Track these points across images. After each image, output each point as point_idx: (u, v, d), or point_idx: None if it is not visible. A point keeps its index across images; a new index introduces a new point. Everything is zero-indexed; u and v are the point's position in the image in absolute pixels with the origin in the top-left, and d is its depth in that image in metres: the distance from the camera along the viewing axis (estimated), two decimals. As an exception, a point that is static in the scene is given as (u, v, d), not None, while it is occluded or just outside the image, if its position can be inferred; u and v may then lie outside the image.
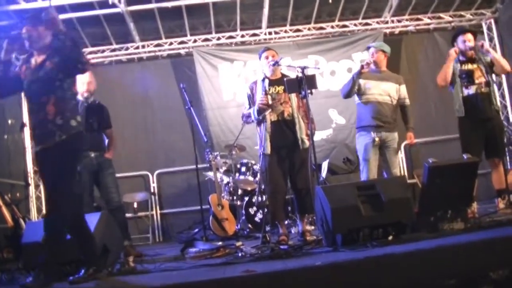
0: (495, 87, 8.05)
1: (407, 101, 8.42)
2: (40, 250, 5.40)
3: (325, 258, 5.28)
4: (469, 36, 8.17)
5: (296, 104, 7.58)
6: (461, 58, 8.17)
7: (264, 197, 9.49)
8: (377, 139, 8.01)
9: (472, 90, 7.95)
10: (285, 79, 7.58)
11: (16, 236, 8.37)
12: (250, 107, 7.81)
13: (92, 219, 6.04)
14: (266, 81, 7.70)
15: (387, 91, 8.21)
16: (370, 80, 8.17)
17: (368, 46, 8.60)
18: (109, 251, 6.10)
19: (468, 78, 7.97)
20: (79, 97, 8.01)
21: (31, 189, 12.43)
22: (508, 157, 12.31)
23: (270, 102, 7.46)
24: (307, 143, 7.46)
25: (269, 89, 7.59)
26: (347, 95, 8.24)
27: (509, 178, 8.41)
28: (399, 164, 8.26)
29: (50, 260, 5.31)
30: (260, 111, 7.49)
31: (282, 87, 7.59)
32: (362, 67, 8.06)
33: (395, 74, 8.70)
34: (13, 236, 8.51)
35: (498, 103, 8.21)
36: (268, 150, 7.47)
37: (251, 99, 7.85)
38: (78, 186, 5.75)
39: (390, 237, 5.76)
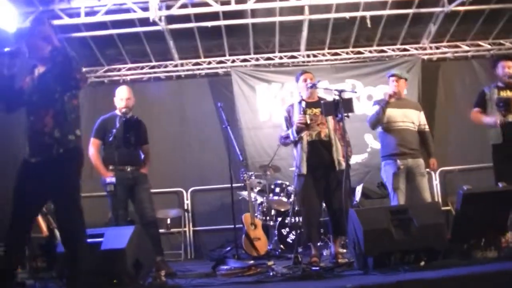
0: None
1: (427, 127, 8.35)
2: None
3: (355, 281, 5.27)
4: (510, 63, 8.14)
5: (332, 126, 7.59)
6: (499, 84, 8.14)
7: (297, 218, 9.52)
8: (402, 166, 7.92)
9: (509, 118, 7.90)
10: (322, 101, 7.62)
11: (50, 245, 8.47)
12: (287, 129, 7.84)
13: (126, 233, 6.10)
14: (303, 103, 7.73)
15: (409, 117, 8.14)
16: (392, 108, 8.10)
17: (389, 74, 8.52)
18: (142, 265, 6.15)
19: (505, 106, 7.91)
20: (117, 112, 8.12)
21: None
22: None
23: (308, 121, 7.48)
24: (343, 164, 7.42)
25: (306, 111, 7.62)
26: (375, 125, 8.19)
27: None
28: (429, 189, 8.16)
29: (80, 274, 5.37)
30: (298, 131, 7.51)
31: (319, 109, 7.61)
32: (389, 96, 8.03)
33: (413, 101, 8.67)
34: (47, 245, 8.61)
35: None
36: (304, 170, 7.48)
37: (289, 122, 7.87)
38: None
39: (422, 263, 5.73)
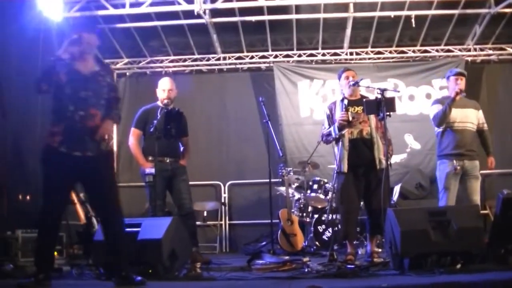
0: None
1: (486, 126, 8.28)
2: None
3: (391, 281, 5.28)
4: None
5: (374, 124, 7.56)
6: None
7: (334, 216, 9.50)
8: (458, 167, 7.88)
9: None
10: (364, 99, 7.60)
11: (87, 233, 8.57)
12: (329, 127, 7.83)
13: (163, 224, 6.16)
14: (345, 101, 7.69)
15: (468, 117, 8.08)
16: (453, 108, 8.05)
17: (453, 72, 8.42)
18: (177, 256, 6.19)
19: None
20: (159, 104, 8.18)
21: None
22: None
23: (350, 118, 7.46)
24: (384, 163, 7.40)
25: (348, 108, 7.59)
26: (442, 122, 8.07)
27: None
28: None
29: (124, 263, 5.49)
30: (340, 128, 7.49)
31: (361, 108, 7.57)
32: (456, 94, 7.96)
33: (471, 100, 8.60)
34: (85, 233, 8.71)
35: None
36: (345, 168, 7.46)
37: (330, 119, 7.85)
38: None
39: (458, 266, 5.71)
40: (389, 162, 7.37)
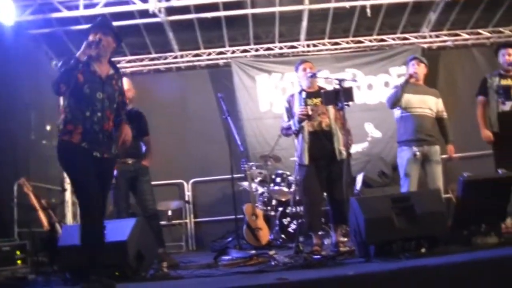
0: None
1: (445, 114, 8.36)
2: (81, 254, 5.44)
3: (357, 269, 5.29)
4: (510, 50, 8.14)
5: (333, 115, 7.59)
6: (501, 72, 8.15)
7: (298, 208, 9.53)
8: (418, 153, 7.93)
9: (507, 106, 7.94)
10: (322, 91, 7.62)
11: (51, 239, 8.49)
12: (288, 120, 7.85)
13: (127, 225, 6.13)
14: (303, 93, 7.69)
15: (427, 104, 8.15)
16: (410, 94, 8.11)
17: (411, 58, 8.54)
18: (144, 257, 6.16)
19: (505, 94, 7.94)
20: (118, 104, 8.13)
21: (67, 194, 12.57)
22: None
23: (309, 112, 7.48)
24: (344, 154, 7.44)
25: (307, 101, 7.61)
26: (394, 104, 8.11)
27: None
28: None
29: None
30: (300, 121, 7.50)
31: (319, 99, 7.60)
32: (409, 76, 8.05)
33: (432, 88, 8.69)
34: (49, 240, 8.62)
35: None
36: (306, 161, 7.48)
37: (289, 112, 7.87)
38: None
39: (423, 250, 5.75)
40: (348, 152, 7.40)
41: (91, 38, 5.46)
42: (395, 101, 8.10)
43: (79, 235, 5.25)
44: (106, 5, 10.95)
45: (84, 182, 5.32)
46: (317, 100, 7.64)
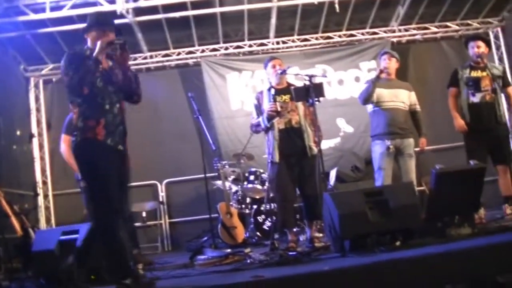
0: (503, 96, 8.10)
1: (418, 107, 8.45)
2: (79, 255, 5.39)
3: (333, 264, 5.31)
4: (479, 43, 8.21)
5: (303, 112, 7.59)
6: (471, 64, 8.21)
7: (272, 205, 9.54)
8: (391, 146, 8.01)
9: (477, 98, 8.00)
10: (292, 87, 7.63)
11: (25, 245, 8.42)
12: (258, 117, 7.84)
13: (102, 228, 6.09)
14: (272, 90, 7.68)
15: (399, 97, 8.22)
16: (382, 88, 8.17)
17: (382, 52, 8.60)
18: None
19: (475, 85, 8.00)
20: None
21: (40, 199, 12.51)
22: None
23: (279, 109, 7.47)
24: (315, 150, 7.47)
25: (276, 98, 7.60)
26: (366, 100, 8.19)
27: (515, 185, 8.42)
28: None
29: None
30: (270, 118, 7.49)
31: (289, 96, 7.61)
32: (380, 71, 8.11)
33: (404, 82, 8.76)
34: (22, 246, 8.55)
35: (505, 111, 8.24)
36: (277, 158, 7.47)
37: (259, 109, 7.86)
38: None
39: (398, 243, 5.78)
40: (319, 148, 7.41)
41: (110, 37, 5.40)
42: (366, 97, 8.16)
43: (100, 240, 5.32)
44: (73, 7, 10.85)
45: (105, 188, 5.19)
46: (286, 97, 7.64)
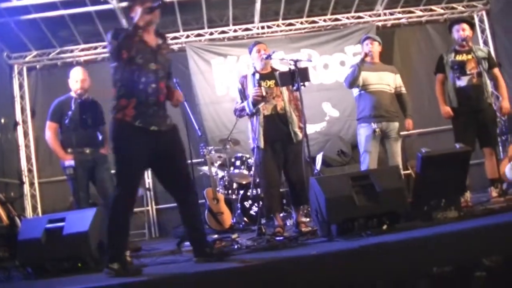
0: (487, 79, 8.12)
1: (404, 89, 8.47)
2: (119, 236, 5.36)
3: (320, 248, 5.31)
4: (464, 25, 8.22)
5: (287, 97, 7.60)
6: (457, 47, 8.23)
7: (259, 190, 9.54)
8: (377, 130, 8.03)
9: (464, 81, 8.02)
10: (277, 72, 7.61)
11: (11, 234, 8.38)
12: (242, 102, 7.83)
13: (88, 215, 6.06)
14: (257, 75, 7.67)
15: (384, 79, 8.24)
16: (367, 71, 8.18)
17: (364, 38, 8.61)
18: (106, 247, 6.11)
19: (460, 69, 8.02)
20: (72, 94, 8.03)
21: (26, 187, 12.47)
22: (500, 147, 12.36)
23: (264, 93, 7.45)
24: (300, 135, 7.49)
25: (261, 83, 7.58)
26: (352, 83, 8.21)
27: (501, 168, 8.48)
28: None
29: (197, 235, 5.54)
30: (255, 103, 7.48)
31: (273, 81, 7.62)
32: (365, 55, 8.13)
33: (389, 65, 8.77)
34: (9, 235, 8.51)
35: (490, 94, 8.26)
36: (262, 144, 7.46)
37: (243, 94, 7.85)
38: None
39: (385, 227, 5.78)
40: (304, 133, 7.42)
41: (148, 4, 5.33)
42: (352, 81, 8.18)
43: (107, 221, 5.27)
44: (56, -8, 10.79)
45: (126, 172, 5.25)
46: (271, 82, 7.65)
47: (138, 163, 5.30)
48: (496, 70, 8.36)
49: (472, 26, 8.41)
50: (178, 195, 5.63)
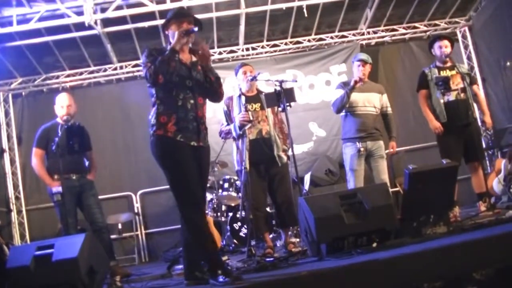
0: (471, 94, 8.17)
1: (390, 110, 8.51)
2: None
3: (310, 268, 5.31)
4: (445, 42, 8.27)
5: (272, 121, 7.66)
6: (438, 64, 8.27)
7: (247, 212, 9.54)
8: (362, 149, 8.11)
9: (451, 96, 8.05)
10: (263, 93, 7.66)
11: (0, 262, 8.33)
12: (227, 124, 7.85)
13: (77, 241, 6.02)
14: (243, 97, 7.71)
15: (371, 102, 8.29)
16: (355, 92, 8.20)
17: (356, 59, 8.59)
18: (96, 272, 6.08)
19: (444, 84, 8.04)
20: (59, 120, 8.02)
21: (13, 214, 12.40)
22: (487, 162, 12.42)
23: (251, 118, 7.47)
24: (284, 158, 7.59)
25: (247, 106, 7.60)
26: (340, 109, 8.28)
27: (489, 182, 8.50)
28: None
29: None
30: (241, 127, 7.48)
31: (259, 104, 7.67)
32: (355, 82, 8.12)
33: (376, 84, 8.81)
34: (-2, 263, 8.46)
35: (476, 109, 8.31)
36: (247, 166, 7.46)
37: (228, 115, 7.89)
38: None
39: (375, 244, 5.79)
40: (288, 156, 7.47)
41: (185, 26, 5.48)
42: (340, 108, 8.28)
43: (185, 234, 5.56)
44: (40, 19, 10.78)
45: (183, 179, 5.35)
46: (256, 105, 7.71)
47: (192, 176, 5.38)
48: (476, 87, 8.47)
49: (452, 42, 8.45)
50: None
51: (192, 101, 5.45)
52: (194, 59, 5.65)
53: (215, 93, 5.78)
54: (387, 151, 8.46)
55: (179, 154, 5.35)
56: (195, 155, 5.44)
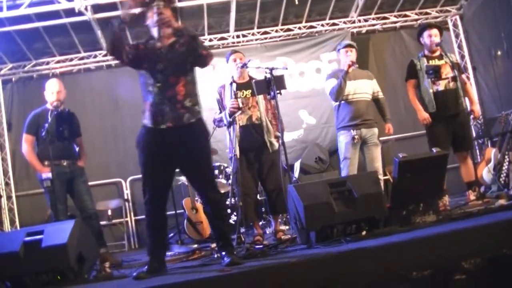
0: (460, 83, 8.17)
1: (381, 94, 8.53)
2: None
3: (299, 255, 5.31)
4: (434, 31, 8.25)
5: (264, 107, 7.65)
6: (426, 53, 8.27)
7: (237, 199, 9.54)
8: (356, 136, 8.11)
9: (441, 86, 8.06)
10: (253, 80, 7.63)
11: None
12: (220, 112, 7.84)
13: (66, 228, 6.01)
14: (234, 85, 7.71)
15: (362, 88, 8.29)
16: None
17: (342, 46, 8.58)
18: (85, 258, 6.07)
19: (435, 74, 8.05)
20: (48, 106, 7.99)
21: (3, 200, 12.36)
22: (477, 151, 12.45)
23: (240, 105, 7.47)
24: (276, 145, 7.57)
25: (237, 93, 7.61)
26: (339, 96, 8.25)
27: (478, 171, 8.53)
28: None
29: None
30: (231, 114, 7.48)
31: (250, 91, 7.66)
32: (349, 66, 8.11)
33: (364, 70, 8.81)
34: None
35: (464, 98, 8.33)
36: (237, 153, 7.48)
37: (221, 103, 7.91)
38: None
39: (364, 232, 5.81)
40: (282, 142, 7.46)
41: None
42: (339, 93, 8.22)
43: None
44: (30, 5, 10.70)
45: (148, 175, 5.50)
46: (247, 92, 7.70)
47: (153, 164, 5.45)
48: (464, 76, 8.48)
49: (441, 31, 8.44)
50: (200, 193, 5.99)
51: (158, 84, 5.45)
52: (172, 39, 5.59)
53: (204, 63, 5.67)
54: (382, 138, 8.47)
55: (145, 143, 5.48)
56: (168, 138, 5.42)
